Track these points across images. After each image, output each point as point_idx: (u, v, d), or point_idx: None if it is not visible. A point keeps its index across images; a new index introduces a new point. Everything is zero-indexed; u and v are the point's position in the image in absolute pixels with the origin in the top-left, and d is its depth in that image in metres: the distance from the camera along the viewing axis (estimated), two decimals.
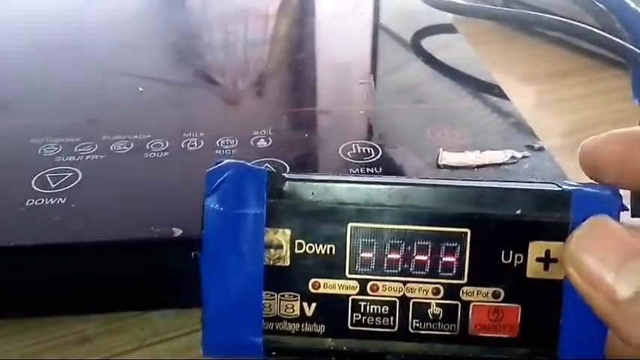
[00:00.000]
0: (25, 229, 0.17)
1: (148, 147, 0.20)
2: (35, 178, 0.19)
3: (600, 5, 0.26)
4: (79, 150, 0.20)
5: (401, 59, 0.29)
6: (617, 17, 0.25)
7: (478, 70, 0.27)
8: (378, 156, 0.20)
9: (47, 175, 0.19)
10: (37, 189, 0.18)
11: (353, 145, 0.20)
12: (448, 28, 0.32)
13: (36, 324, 0.21)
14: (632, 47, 0.23)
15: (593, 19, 0.27)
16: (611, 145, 0.12)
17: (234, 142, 0.21)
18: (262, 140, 0.21)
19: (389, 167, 0.19)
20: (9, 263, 0.17)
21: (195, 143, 0.21)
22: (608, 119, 0.33)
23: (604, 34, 0.25)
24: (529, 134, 0.21)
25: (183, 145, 0.21)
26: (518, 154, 0.19)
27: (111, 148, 0.20)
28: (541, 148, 0.20)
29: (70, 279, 0.18)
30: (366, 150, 0.20)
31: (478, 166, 0.19)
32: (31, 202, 0.18)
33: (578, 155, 0.13)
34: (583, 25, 0.26)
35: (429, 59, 0.28)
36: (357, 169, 0.19)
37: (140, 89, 0.25)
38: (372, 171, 0.19)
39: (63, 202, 0.18)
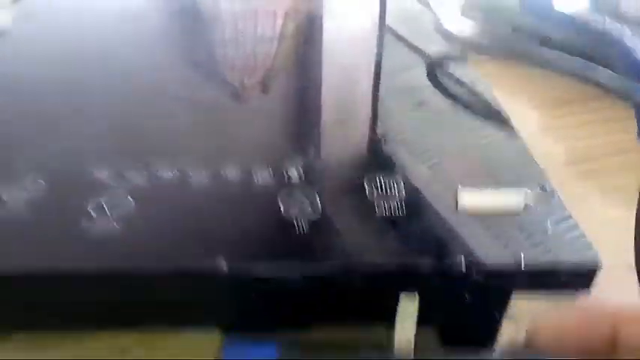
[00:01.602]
0: (80, 254, 0.19)
1: (191, 175, 0.22)
2: (90, 203, 0.21)
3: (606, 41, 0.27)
4: (128, 176, 0.22)
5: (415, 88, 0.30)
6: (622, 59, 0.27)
7: (491, 102, 0.28)
8: (402, 197, 0.21)
9: (101, 201, 0.21)
10: (93, 214, 0.20)
11: (377, 183, 0.22)
12: (460, 57, 0.34)
13: (75, 336, 0.23)
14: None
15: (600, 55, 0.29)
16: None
17: (270, 174, 0.22)
18: (295, 173, 0.23)
19: (411, 209, 0.21)
20: (64, 283, 0.19)
21: (234, 173, 0.22)
22: (609, 150, 0.34)
23: (611, 72, 0.27)
24: (540, 175, 0.23)
25: (222, 174, 0.22)
26: (531, 198, 0.21)
27: (157, 174, 0.22)
28: (552, 191, 0.22)
29: (117, 297, 0.20)
30: (390, 191, 0.22)
31: (494, 208, 0.21)
32: (87, 226, 0.20)
33: None
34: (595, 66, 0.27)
35: (443, 90, 0.30)
36: (382, 203, 0.21)
37: (184, 116, 0.26)
38: (395, 205, 0.21)
39: (116, 228, 0.20)
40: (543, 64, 0.31)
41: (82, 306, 0.22)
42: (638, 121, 0.25)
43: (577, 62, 0.29)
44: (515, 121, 0.28)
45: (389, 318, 0.20)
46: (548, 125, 0.38)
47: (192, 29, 0.36)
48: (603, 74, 0.28)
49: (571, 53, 0.35)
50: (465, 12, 0.50)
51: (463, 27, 0.42)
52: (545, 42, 0.36)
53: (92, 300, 0.21)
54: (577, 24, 0.26)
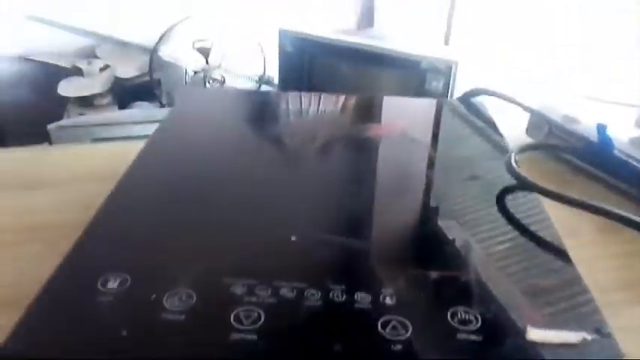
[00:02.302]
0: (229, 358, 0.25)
1: (306, 295, 0.28)
2: (233, 314, 0.27)
3: None
4: (259, 292, 0.28)
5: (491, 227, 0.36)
6: None
7: (555, 244, 0.33)
8: (479, 324, 0.26)
9: (241, 312, 0.27)
10: (235, 324, 0.26)
11: (459, 311, 0.27)
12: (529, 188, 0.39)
13: None
14: None
15: None
16: None
17: (369, 298, 0.28)
18: (388, 298, 0.28)
19: (487, 336, 0.26)
20: None
21: (340, 295, 0.28)
22: None
23: None
24: (598, 316, 0.27)
25: (330, 296, 0.28)
26: (589, 337, 0.26)
27: (280, 292, 0.28)
28: (608, 334, 0.26)
29: None
30: (468, 317, 0.27)
31: (558, 345, 0.25)
32: (232, 335, 0.26)
33: None
34: None
35: (509, 219, 0.35)
36: (463, 335, 0.26)
37: (293, 239, 0.33)
38: (475, 339, 0.26)
39: (255, 338, 0.25)
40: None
41: None
42: None
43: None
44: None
45: None
46: (606, 252, 0.42)
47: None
48: None
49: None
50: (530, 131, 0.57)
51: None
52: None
53: None
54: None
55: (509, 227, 0.35)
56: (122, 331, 0.25)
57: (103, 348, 0.25)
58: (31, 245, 0.34)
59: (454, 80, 0.98)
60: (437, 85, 1.00)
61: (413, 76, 1.02)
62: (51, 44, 1.58)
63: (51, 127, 1.20)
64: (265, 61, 1.56)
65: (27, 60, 1.58)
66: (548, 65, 1.18)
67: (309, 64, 1.19)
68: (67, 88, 1.48)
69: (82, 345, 0.25)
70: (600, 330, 0.26)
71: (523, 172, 0.39)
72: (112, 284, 0.29)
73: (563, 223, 0.44)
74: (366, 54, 1.09)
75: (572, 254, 0.31)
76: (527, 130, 0.58)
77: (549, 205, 0.38)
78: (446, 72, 0.99)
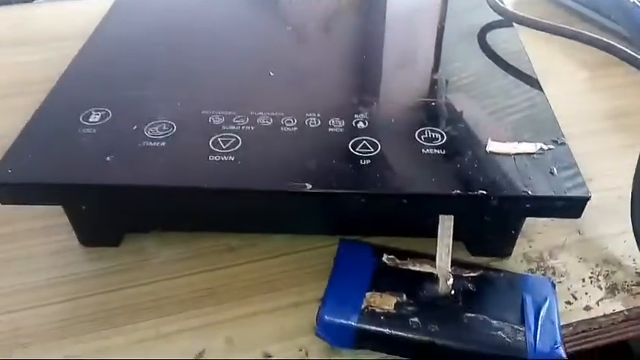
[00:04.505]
0: (209, 177, 0.26)
1: (282, 122, 0.29)
2: (211, 140, 0.28)
3: None
4: (236, 121, 0.29)
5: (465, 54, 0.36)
6: None
7: (525, 67, 0.34)
8: (444, 141, 0.28)
9: (219, 138, 0.28)
10: (214, 148, 0.28)
11: (425, 130, 0.29)
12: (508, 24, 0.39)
13: (195, 236, 0.31)
14: None
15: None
16: None
17: (342, 123, 0.29)
18: (361, 123, 0.29)
19: (450, 151, 0.27)
20: (195, 198, 0.27)
21: (315, 121, 0.29)
22: None
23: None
24: (557, 130, 0.29)
25: (306, 123, 0.29)
26: (545, 147, 0.27)
27: (257, 121, 0.29)
28: (563, 143, 0.28)
29: (231, 208, 0.28)
30: (434, 135, 0.28)
31: (515, 154, 0.27)
32: (211, 157, 0.27)
33: None
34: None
35: (489, 54, 0.36)
36: (428, 150, 0.27)
37: (271, 74, 0.33)
38: (439, 153, 0.27)
39: (232, 159, 0.27)
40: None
41: (203, 213, 0.30)
42: None
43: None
44: (565, 80, 0.33)
45: (432, 234, 0.27)
46: (596, 84, 0.43)
47: None
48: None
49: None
50: None
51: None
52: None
53: (211, 209, 0.29)
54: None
55: (485, 60, 0.36)
56: (106, 157, 0.27)
57: (88, 172, 0.26)
58: (23, 98, 0.35)
59: None
60: None
61: None
62: None
63: None
64: None
65: None
66: None
67: None
68: None
69: (67, 169, 0.27)
70: (557, 141, 0.28)
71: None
72: (94, 118, 0.30)
73: (554, 60, 0.45)
74: None
75: (561, 88, 0.32)
76: None
77: (539, 47, 0.38)
78: None
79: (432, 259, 0.27)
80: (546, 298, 0.26)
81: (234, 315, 0.28)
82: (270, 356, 0.26)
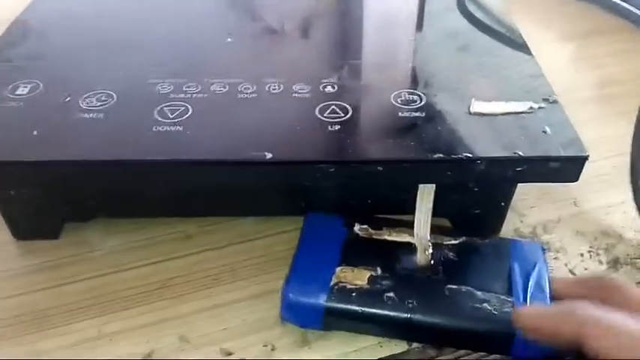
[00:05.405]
0: (153, 148, 0.23)
1: (239, 89, 0.26)
2: (157, 110, 0.24)
3: None
4: (187, 89, 0.26)
5: (446, 17, 0.33)
6: None
7: (510, 29, 0.31)
8: (423, 103, 0.25)
9: (165, 108, 0.25)
10: (160, 118, 0.24)
11: (402, 93, 0.25)
12: None
13: (146, 223, 0.27)
14: None
15: None
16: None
17: (308, 87, 0.26)
18: (329, 87, 0.26)
19: (430, 113, 0.24)
20: (140, 173, 0.23)
21: (277, 87, 0.26)
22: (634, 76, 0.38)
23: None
24: (547, 88, 0.26)
25: (267, 89, 0.26)
26: (535, 105, 0.24)
27: (211, 88, 0.26)
28: (555, 101, 0.25)
29: (182, 187, 0.24)
30: (412, 98, 0.25)
31: (502, 114, 0.24)
32: (156, 128, 0.23)
33: None
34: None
35: (471, 19, 0.33)
36: (405, 114, 0.24)
37: (229, 40, 0.30)
38: (418, 115, 0.24)
39: (180, 129, 0.23)
40: None
41: (152, 195, 0.26)
42: None
43: None
44: (548, 51, 0.31)
45: (413, 210, 0.24)
46: (581, 54, 0.41)
47: None
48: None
49: None
50: None
51: None
52: None
53: (159, 188, 0.25)
54: None
55: (466, 22, 0.33)
56: (33, 131, 0.23)
57: (10, 148, 0.23)
58: None
59: None
60: None
61: None
62: None
63: None
64: None
65: None
66: None
67: None
68: None
69: None
70: (548, 99, 0.25)
71: None
72: (22, 90, 0.26)
73: (535, 32, 0.42)
74: None
75: (544, 58, 0.29)
76: None
77: (521, 19, 0.35)
78: None
79: (409, 227, 0.24)
80: (535, 265, 0.23)
81: (190, 310, 0.24)
82: (230, 354, 0.22)
